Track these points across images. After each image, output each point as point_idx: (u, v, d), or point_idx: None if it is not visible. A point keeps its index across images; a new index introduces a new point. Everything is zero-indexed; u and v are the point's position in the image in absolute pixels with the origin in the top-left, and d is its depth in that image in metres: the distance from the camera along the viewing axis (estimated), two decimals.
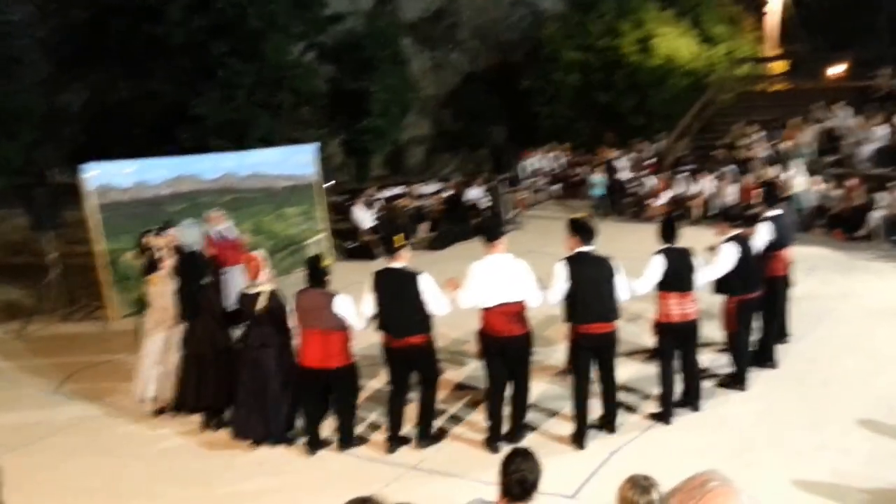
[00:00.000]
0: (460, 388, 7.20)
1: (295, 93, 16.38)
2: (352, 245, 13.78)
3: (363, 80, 17.91)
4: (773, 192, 8.01)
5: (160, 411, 6.85)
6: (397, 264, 5.86)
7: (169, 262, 6.88)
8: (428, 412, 6.08)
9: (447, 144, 23.28)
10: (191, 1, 14.42)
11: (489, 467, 3.19)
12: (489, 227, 6.16)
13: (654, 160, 18.20)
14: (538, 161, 19.62)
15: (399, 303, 5.78)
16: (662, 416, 6.27)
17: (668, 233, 6.31)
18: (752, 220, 7.32)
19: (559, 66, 20.92)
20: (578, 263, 5.78)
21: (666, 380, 6.26)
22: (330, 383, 5.99)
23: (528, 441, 5.96)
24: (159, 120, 15.43)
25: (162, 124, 15.24)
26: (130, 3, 14.37)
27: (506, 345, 5.82)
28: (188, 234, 11.10)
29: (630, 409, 6.49)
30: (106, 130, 15.56)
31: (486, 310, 5.80)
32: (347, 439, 6.07)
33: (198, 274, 6.59)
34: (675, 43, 20.54)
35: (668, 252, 6.20)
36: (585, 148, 20.25)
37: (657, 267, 6.14)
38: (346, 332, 5.92)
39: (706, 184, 15.64)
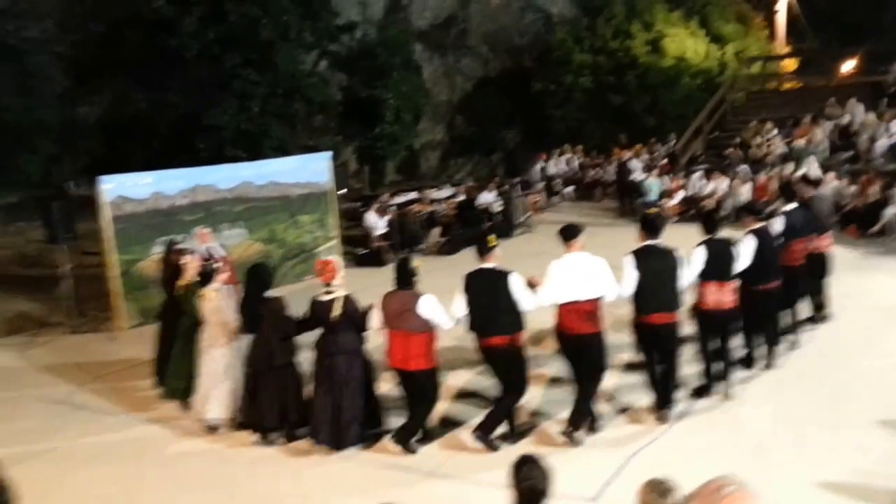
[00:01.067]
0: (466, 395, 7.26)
1: (308, 102, 16.50)
2: (362, 252, 13.87)
3: (376, 88, 18.03)
4: (789, 189, 8.52)
5: (241, 426, 6.63)
6: (489, 264, 5.98)
7: (224, 275, 6.86)
8: (499, 415, 6.05)
9: (460, 149, 23.35)
10: (204, 13, 14.59)
11: (505, 472, 3.25)
12: (565, 228, 6.30)
13: (666, 160, 18.19)
14: (551, 164, 19.65)
15: (491, 302, 5.87)
16: (704, 389, 6.64)
17: (710, 225, 6.76)
18: (772, 214, 7.84)
19: (570, 69, 20.96)
20: (645, 256, 6.12)
21: (705, 357, 6.68)
22: (408, 385, 6.03)
23: (553, 442, 6.01)
24: (175, 131, 15.61)
25: (178, 135, 15.42)
26: (145, 16, 14.57)
27: (578, 343, 6.03)
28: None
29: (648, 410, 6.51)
30: (123, 142, 15.76)
31: (562, 307, 5.98)
32: (407, 437, 6.06)
33: (262, 286, 6.44)
34: (685, 43, 20.54)
35: (709, 243, 6.58)
36: (598, 150, 20.27)
37: (699, 257, 6.47)
38: (431, 335, 5.94)
39: (719, 183, 15.63)
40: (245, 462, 6.21)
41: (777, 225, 7.60)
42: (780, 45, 23.20)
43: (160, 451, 6.56)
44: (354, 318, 6.04)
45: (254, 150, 14.97)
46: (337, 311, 5.98)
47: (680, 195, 16.04)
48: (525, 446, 5.93)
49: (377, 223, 13.86)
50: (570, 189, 19.21)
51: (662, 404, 6.32)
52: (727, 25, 21.58)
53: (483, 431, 5.99)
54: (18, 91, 14.21)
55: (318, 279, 6.19)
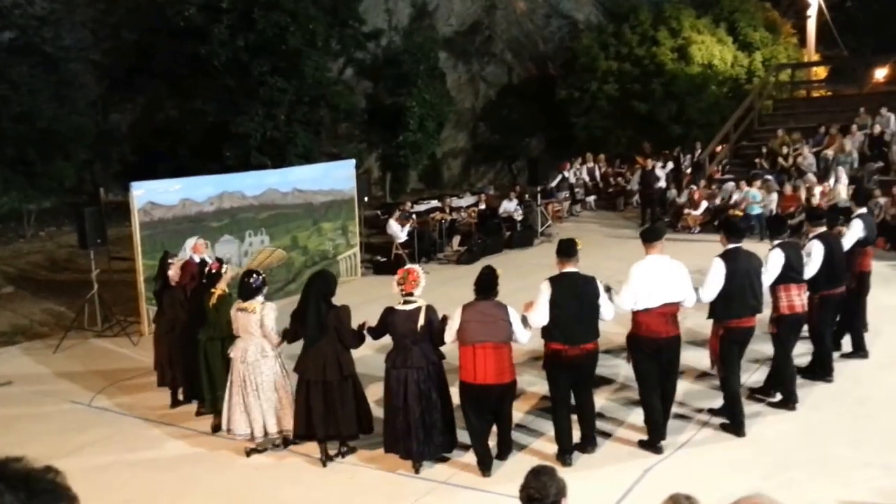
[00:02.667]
0: None
1: (334, 109, 16.67)
2: (383, 259, 13.96)
3: (400, 95, 18.16)
4: (861, 191, 8.96)
5: (286, 442, 6.55)
6: (572, 268, 5.88)
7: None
8: (593, 417, 6.16)
9: (484, 157, 23.39)
10: (234, 21, 14.83)
11: (518, 482, 3.28)
12: (647, 231, 6.36)
13: (691, 169, 18.09)
14: (573, 173, 19.65)
15: (578, 308, 5.74)
16: (789, 399, 6.70)
17: (779, 228, 7.02)
18: (835, 220, 7.94)
19: (595, 76, 20.90)
20: (732, 260, 6.11)
21: (788, 365, 6.78)
22: (498, 398, 5.84)
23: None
24: (204, 138, 15.87)
25: (206, 142, 15.67)
26: (176, 24, 14.84)
27: (663, 346, 5.97)
28: (226, 249, 11.49)
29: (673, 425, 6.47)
30: (153, 149, 16.05)
31: (645, 311, 5.91)
32: (508, 451, 6.09)
33: (327, 293, 6.22)
34: (713, 50, 20.40)
35: (783, 246, 6.73)
36: (621, 159, 20.19)
37: (777, 261, 6.61)
38: (511, 345, 5.84)
39: (746, 193, 15.50)
40: (256, 468, 6.30)
41: (857, 229, 7.77)
42: (810, 53, 22.94)
43: (176, 455, 6.66)
44: (434, 330, 5.88)
45: (279, 158, 15.17)
46: (421, 320, 5.82)
47: (704, 205, 15.96)
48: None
49: (398, 231, 13.95)
50: (591, 199, 19.17)
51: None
52: (756, 32, 21.37)
53: (594, 442, 6.10)
54: (54, 98, 14.53)
55: (399, 288, 5.96)
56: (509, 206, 16.21)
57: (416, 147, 18.62)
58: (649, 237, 6.12)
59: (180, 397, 7.75)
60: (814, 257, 6.98)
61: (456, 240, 15.38)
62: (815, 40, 22.67)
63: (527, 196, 16.95)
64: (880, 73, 22.17)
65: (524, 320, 5.82)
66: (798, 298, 6.65)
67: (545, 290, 5.77)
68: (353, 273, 13.13)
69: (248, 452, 6.48)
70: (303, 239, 12.53)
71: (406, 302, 5.91)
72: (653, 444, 6.06)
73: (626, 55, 20.89)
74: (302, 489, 5.90)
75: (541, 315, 5.75)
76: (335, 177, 13.07)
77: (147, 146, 16.32)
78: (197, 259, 8.36)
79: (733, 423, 6.28)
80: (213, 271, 7.07)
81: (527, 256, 13.90)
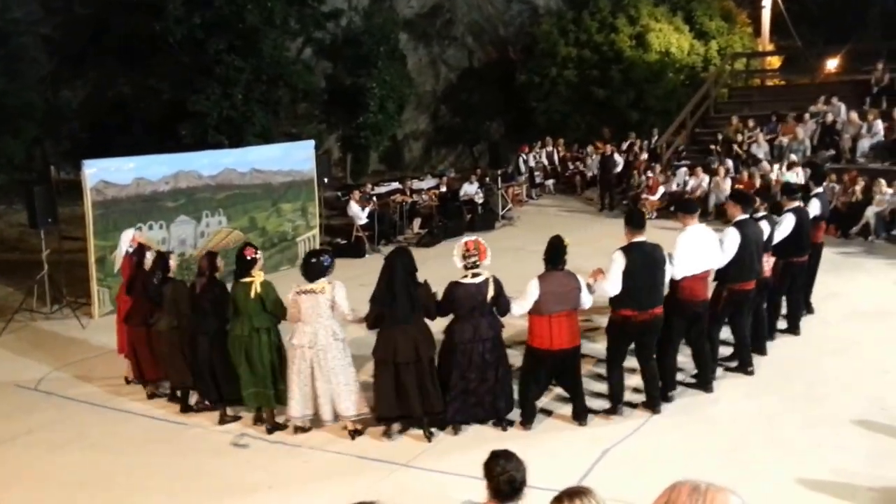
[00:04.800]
0: None
1: (292, 89, 16.45)
2: (343, 242, 13.83)
3: (360, 76, 17.97)
4: (820, 172, 9.90)
5: (355, 433, 6.29)
6: (642, 238, 6.14)
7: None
8: (657, 378, 6.48)
9: (445, 140, 23.35)
10: None
11: (480, 463, 3.28)
12: (684, 203, 7.15)
13: (649, 155, 18.30)
14: (532, 156, 19.73)
15: (650, 274, 6.06)
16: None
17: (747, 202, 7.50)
18: (806, 195, 8.62)
19: (555, 62, 20.97)
20: (744, 227, 6.75)
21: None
22: (571, 359, 6.12)
23: (527, 438, 6.07)
24: (159, 116, 15.52)
25: (161, 121, 15.33)
26: (130, 0, 14.43)
27: (703, 308, 6.55)
28: (182, 230, 11.26)
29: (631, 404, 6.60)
30: (106, 127, 15.65)
31: (690, 277, 6.37)
32: (586, 412, 6.32)
33: (413, 269, 6.02)
34: (670, 38, 20.62)
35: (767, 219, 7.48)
36: (579, 143, 20.34)
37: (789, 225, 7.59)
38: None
39: (701, 179, 15.77)
40: (216, 451, 6.23)
41: (814, 206, 8.41)
42: (765, 43, 23.33)
43: (130, 438, 6.55)
44: (500, 301, 5.98)
45: (237, 137, 14.93)
46: (491, 291, 5.88)
47: (661, 190, 16.17)
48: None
49: (359, 213, 13.85)
50: (550, 182, 19.26)
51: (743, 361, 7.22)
52: (712, 21, 21.64)
53: (663, 393, 6.49)
54: (2, 73, 14.05)
55: (470, 260, 5.96)
56: (470, 189, 16.21)
57: (377, 128, 18.47)
58: (688, 209, 6.68)
59: (192, 401, 7.02)
60: (784, 226, 7.62)
61: (417, 222, 15.34)
62: (770, 30, 23.06)
63: (487, 179, 16.97)
64: (832, 64, 22.62)
65: (588, 287, 6.10)
66: (766, 264, 7.36)
67: (619, 260, 6.04)
68: None
69: (296, 430, 6.31)
70: (261, 220, 12.36)
71: (474, 275, 5.96)
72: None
73: (585, 41, 20.99)
74: (262, 473, 5.83)
75: (614, 284, 6.02)
76: (294, 157, 12.90)
77: (99, 123, 15.92)
78: (131, 251, 7.84)
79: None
80: (249, 258, 6.36)
81: (489, 240, 13.70)
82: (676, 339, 6.62)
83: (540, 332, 5.95)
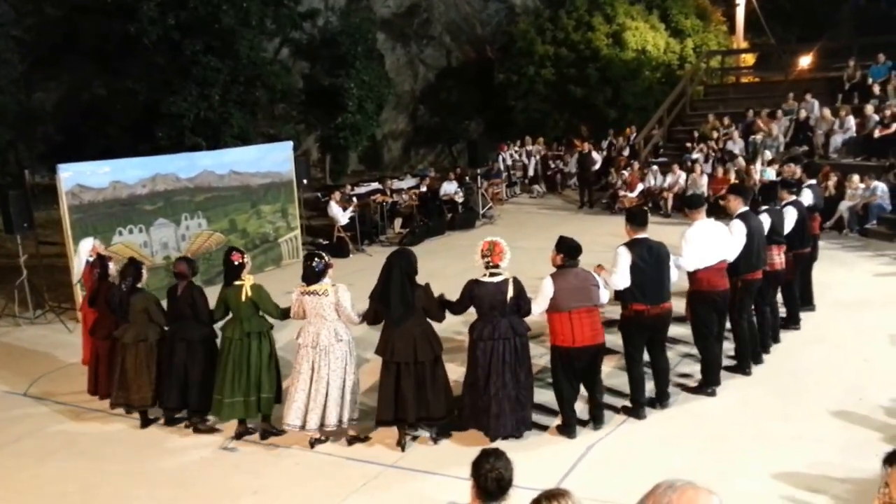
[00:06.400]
0: None
1: (270, 90, 16.36)
2: (325, 242, 13.80)
3: (338, 77, 17.91)
4: (812, 165, 10.16)
5: (354, 439, 6.21)
6: (644, 234, 6.28)
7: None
8: (668, 372, 6.60)
9: (424, 139, 23.35)
10: None
11: (467, 464, 3.28)
12: (690, 198, 7.30)
13: (626, 153, 18.43)
14: (511, 155, 19.79)
15: (658, 269, 6.19)
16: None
17: (769, 195, 7.86)
18: (799, 187, 8.78)
19: (532, 61, 21.07)
20: (748, 219, 6.98)
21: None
22: (594, 357, 6.08)
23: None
24: (135, 118, 15.36)
25: (137, 123, 15.18)
26: (104, 1, 14.25)
27: (723, 298, 6.75)
28: (162, 233, 11.15)
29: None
30: (81, 129, 15.46)
31: (706, 269, 6.59)
32: (603, 415, 6.28)
33: (412, 272, 5.99)
34: (646, 37, 20.78)
35: (769, 212, 7.56)
36: (558, 142, 20.43)
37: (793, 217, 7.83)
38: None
39: (678, 176, 15.90)
40: (202, 456, 6.17)
41: (808, 197, 8.65)
42: (739, 40, 23.59)
43: (117, 445, 6.48)
44: (522, 301, 5.94)
45: (214, 139, 14.83)
46: (511, 292, 5.86)
47: (639, 187, 16.29)
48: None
49: (339, 214, 13.80)
50: (536, 187, 19.27)
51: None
52: (687, 20, 21.85)
53: (667, 398, 6.55)
54: None
55: (484, 260, 5.93)
56: (449, 189, 16.22)
57: (356, 129, 18.43)
58: (695, 203, 6.89)
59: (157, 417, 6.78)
60: (788, 220, 7.82)
61: (398, 222, 15.33)
62: (744, 28, 23.34)
63: (467, 178, 17.00)
64: (805, 61, 22.90)
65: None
66: (778, 258, 7.57)
67: (624, 255, 6.15)
68: (295, 256, 12.92)
69: (313, 443, 6.13)
70: (241, 222, 12.28)
71: (493, 274, 5.93)
72: (712, 384, 6.80)
73: (562, 40, 21.10)
74: (249, 476, 5.79)
75: (623, 278, 6.14)
76: (272, 159, 12.84)
77: (73, 126, 15.72)
78: (91, 260, 7.67)
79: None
80: (237, 263, 6.35)
81: (470, 238, 13.87)
82: (709, 328, 6.76)
83: (562, 330, 5.95)
